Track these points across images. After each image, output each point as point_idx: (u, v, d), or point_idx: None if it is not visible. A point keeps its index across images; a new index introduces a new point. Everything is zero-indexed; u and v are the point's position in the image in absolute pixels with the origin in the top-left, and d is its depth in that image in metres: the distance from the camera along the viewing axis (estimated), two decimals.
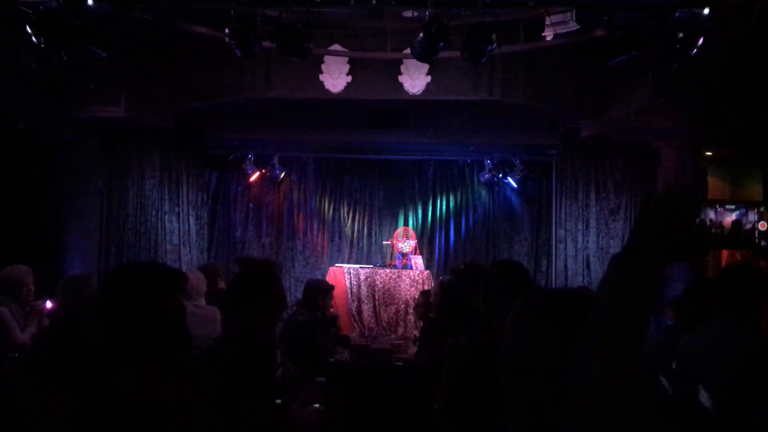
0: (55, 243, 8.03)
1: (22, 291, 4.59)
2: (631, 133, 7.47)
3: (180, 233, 8.95)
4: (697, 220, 1.27)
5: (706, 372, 2.60)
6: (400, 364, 3.93)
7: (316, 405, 3.38)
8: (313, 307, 5.14)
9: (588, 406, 1.07)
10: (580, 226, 8.70)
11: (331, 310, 5.97)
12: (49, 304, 4.87)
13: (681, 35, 5.23)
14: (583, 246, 8.66)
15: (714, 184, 8.57)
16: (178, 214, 8.96)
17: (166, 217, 8.80)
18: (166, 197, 8.80)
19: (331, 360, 4.18)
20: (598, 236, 8.61)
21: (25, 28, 5.27)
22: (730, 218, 8.31)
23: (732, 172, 9.02)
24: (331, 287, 5.45)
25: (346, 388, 3.27)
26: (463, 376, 2.61)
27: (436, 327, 4.05)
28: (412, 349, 5.14)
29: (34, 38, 5.27)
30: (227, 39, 5.43)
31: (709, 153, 8.47)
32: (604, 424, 1.03)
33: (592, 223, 8.64)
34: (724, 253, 8.90)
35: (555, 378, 1.26)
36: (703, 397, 2.55)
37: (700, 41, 5.21)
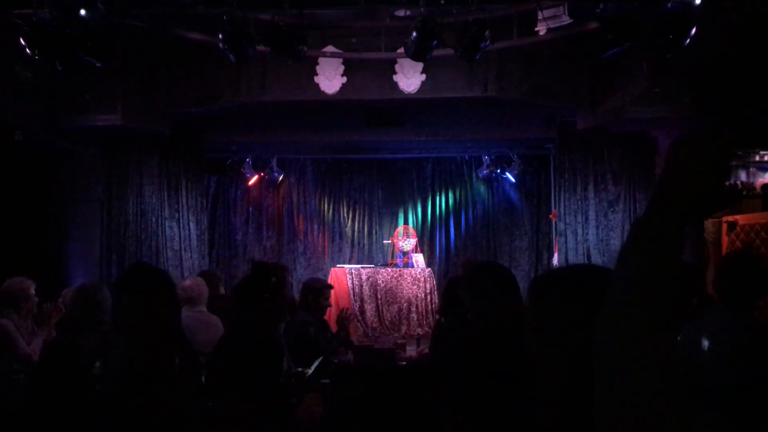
0: (56, 252, 8.05)
1: (26, 303, 4.59)
2: (627, 123, 7.48)
3: (181, 239, 8.96)
4: (728, 182, 1.10)
5: (706, 361, 2.61)
6: (404, 363, 3.94)
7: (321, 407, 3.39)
8: (311, 308, 5.12)
9: (614, 387, 0.97)
10: (579, 218, 8.70)
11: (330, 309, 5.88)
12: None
13: (674, 26, 5.23)
14: (583, 238, 8.66)
15: None
16: (179, 219, 8.96)
17: (167, 223, 8.81)
18: (166, 203, 8.81)
19: (335, 361, 4.19)
20: (597, 228, 8.62)
21: (19, 39, 5.28)
22: (762, 179, 8.09)
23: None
24: (326, 286, 5.40)
25: (351, 389, 3.29)
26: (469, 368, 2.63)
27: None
28: (412, 349, 5.17)
29: (28, 50, 5.28)
30: (221, 45, 5.43)
31: None
32: (631, 403, 0.94)
33: (592, 215, 8.64)
34: (724, 240, 8.88)
35: (583, 357, 1.23)
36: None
37: (693, 31, 5.21)
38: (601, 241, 8.61)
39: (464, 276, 3.04)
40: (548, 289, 1.38)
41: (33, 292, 4.65)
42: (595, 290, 1.23)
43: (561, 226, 8.79)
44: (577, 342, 1.22)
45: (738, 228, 7.16)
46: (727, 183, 1.08)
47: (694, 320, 2.95)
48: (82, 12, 5.21)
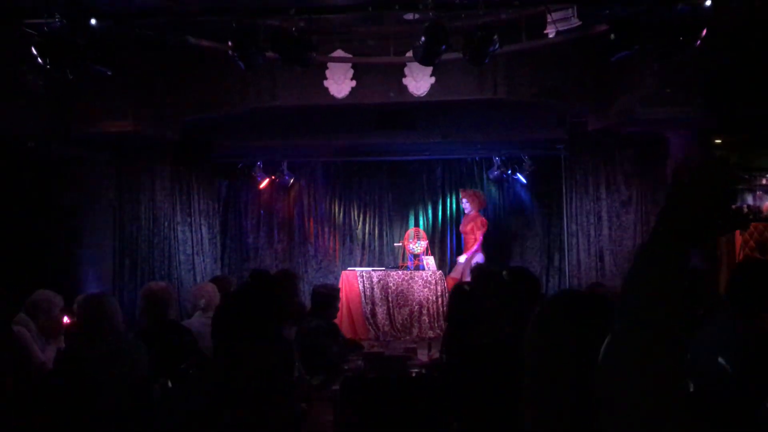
0: (69, 258, 8.12)
1: (45, 317, 4.62)
2: (638, 124, 7.43)
3: (193, 243, 9.00)
4: (735, 205, 1.11)
5: (709, 367, 2.59)
6: (416, 370, 3.93)
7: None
8: (325, 314, 5.15)
9: (618, 408, 1.00)
10: (591, 219, 8.65)
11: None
12: (66, 320, 4.95)
13: (684, 27, 5.19)
14: (595, 239, 8.61)
15: None
16: (191, 224, 9.01)
17: (179, 228, 8.85)
18: (178, 208, 8.85)
19: (345, 368, 4.19)
20: (610, 229, 8.56)
21: (30, 49, 5.33)
22: None
23: (743, 157, 8.94)
24: (338, 291, 5.46)
25: (360, 398, 3.30)
26: (478, 378, 2.63)
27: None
28: (423, 353, 5.16)
29: (39, 59, 5.34)
30: (230, 52, 5.46)
31: (718, 140, 8.41)
32: (635, 423, 0.96)
33: (604, 216, 8.58)
34: (738, 239, 8.84)
35: (576, 381, 1.26)
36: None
37: (704, 32, 5.16)
38: (614, 241, 8.55)
39: (490, 282, 3.01)
40: (559, 314, 1.40)
41: (58, 310, 4.67)
42: (603, 319, 1.25)
43: (573, 227, 8.76)
44: (581, 367, 1.24)
45: (751, 227, 7.11)
46: (733, 206, 1.08)
47: (702, 328, 2.93)
48: (93, 22, 5.25)
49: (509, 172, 10.34)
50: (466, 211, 9.87)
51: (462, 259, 9.54)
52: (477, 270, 5.27)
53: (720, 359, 2.55)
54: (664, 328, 1.00)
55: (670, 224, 1.05)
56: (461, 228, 9.87)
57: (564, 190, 9.08)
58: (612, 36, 5.34)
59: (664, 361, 0.99)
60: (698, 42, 5.22)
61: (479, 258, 9.31)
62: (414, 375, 3.60)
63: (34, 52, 5.33)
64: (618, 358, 1.02)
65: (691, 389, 2.38)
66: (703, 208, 1.04)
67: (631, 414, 0.98)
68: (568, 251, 8.98)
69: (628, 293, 1.06)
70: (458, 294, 3.67)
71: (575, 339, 1.33)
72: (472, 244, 9.54)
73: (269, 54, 5.78)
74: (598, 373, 1.05)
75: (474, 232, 9.50)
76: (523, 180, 10.40)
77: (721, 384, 2.51)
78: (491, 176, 10.65)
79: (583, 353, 1.26)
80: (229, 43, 5.45)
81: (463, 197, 9.90)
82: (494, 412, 2.43)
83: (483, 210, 10.11)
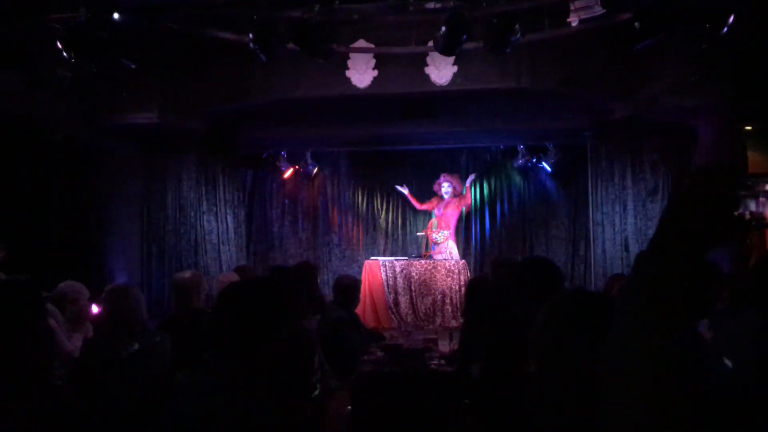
0: (97, 247, 8.27)
1: (71, 307, 4.72)
2: (664, 112, 7.32)
3: (219, 232, 9.10)
4: (737, 212, 1.11)
5: (727, 363, 2.57)
6: (435, 362, 3.93)
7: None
8: (347, 305, 5.19)
9: (617, 411, 1.01)
10: (617, 208, 8.54)
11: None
12: (95, 308, 5.05)
13: (710, 14, 5.09)
14: (621, 228, 8.50)
15: (755, 159, 8.35)
16: (216, 213, 9.10)
17: (205, 217, 8.94)
18: (204, 197, 8.94)
19: (365, 359, 4.22)
20: (636, 218, 8.43)
21: (56, 43, 5.42)
22: None
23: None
24: (359, 281, 5.52)
25: (375, 391, 3.31)
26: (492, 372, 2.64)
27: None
28: (445, 344, 5.17)
29: (64, 53, 5.42)
30: (251, 44, 5.49)
31: (748, 128, 8.24)
32: (635, 423, 0.97)
33: (630, 204, 8.46)
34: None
35: (580, 380, 1.27)
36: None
37: (731, 19, 5.05)
38: (640, 230, 8.43)
39: (510, 274, 2.99)
40: (560, 315, 1.41)
41: (84, 301, 4.77)
42: (605, 319, 1.25)
43: (598, 215, 8.66)
44: (583, 367, 1.25)
45: None
46: (735, 213, 1.07)
47: (723, 323, 2.90)
48: (116, 15, 5.32)
49: (534, 160, 10.25)
50: (446, 196, 9.81)
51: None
52: (495, 261, 5.26)
53: (738, 355, 2.53)
54: (664, 330, 1.00)
55: (672, 229, 1.05)
56: (439, 211, 9.84)
57: (589, 179, 8.97)
58: (636, 24, 5.26)
59: (664, 362, 0.99)
60: (725, 29, 5.12)
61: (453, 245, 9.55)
62: (431, 368, 3.60)
63: (59, 46, 5.41)
64: (618, 359, 1.03)
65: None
66: (705, 214, 1.03)
67: (632, 414, 0.99)
68: (593, 240, 8.89)
69: (630, 295, 1.06)
70: (474, 286, 3.67)
71: (576, 339, 1.34)
72: (446, 226, 9.64)
73: (290, 45, 5.80)
74: (599, 373, 1.06)
75: (450, 216, 9.59)
76: (548, 168, 10.31)
77: (739, 379, 2.49)
78: (516, 164, 10.58)
79: (585, 353, 1.26)
80: (250, 36, 5.48)
81: (445, 181, 9.83)
82: (509, 405, 2.43)
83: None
